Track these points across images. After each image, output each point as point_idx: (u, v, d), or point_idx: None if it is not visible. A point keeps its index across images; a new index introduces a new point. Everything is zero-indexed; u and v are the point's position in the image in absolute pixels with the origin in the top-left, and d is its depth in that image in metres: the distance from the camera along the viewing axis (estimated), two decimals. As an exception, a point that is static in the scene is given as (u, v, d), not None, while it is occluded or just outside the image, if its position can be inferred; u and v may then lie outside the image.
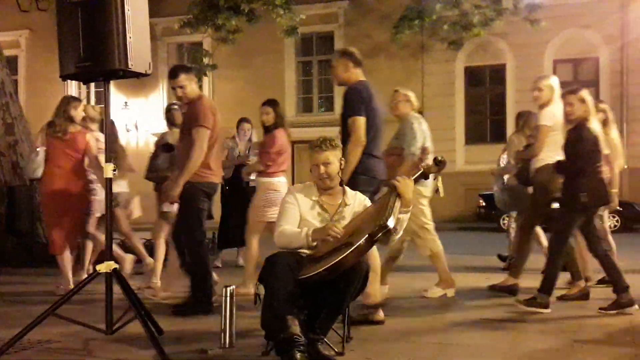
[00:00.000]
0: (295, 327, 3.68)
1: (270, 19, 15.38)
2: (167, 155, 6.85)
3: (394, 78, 20.97)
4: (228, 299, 4.20)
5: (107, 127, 4.55)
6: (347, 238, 3.89)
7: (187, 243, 5.68)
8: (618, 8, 20.08)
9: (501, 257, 8.97)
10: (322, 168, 4.12)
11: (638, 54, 20.27)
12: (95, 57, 4.14)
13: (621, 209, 16.91)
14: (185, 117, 5.91)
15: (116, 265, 4.33)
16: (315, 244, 3.92)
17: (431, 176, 4.72)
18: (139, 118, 23.89)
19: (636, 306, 5.40)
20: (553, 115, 6.06)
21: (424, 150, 6.27)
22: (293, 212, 4.12)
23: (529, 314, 5.38)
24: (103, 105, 4.82)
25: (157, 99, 24.08)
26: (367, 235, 3.81)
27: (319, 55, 23.53)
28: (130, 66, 4.12)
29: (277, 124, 6.77)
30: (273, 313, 3.74)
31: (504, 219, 11.12)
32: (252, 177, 7.43)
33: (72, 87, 24.39)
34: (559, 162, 5.70)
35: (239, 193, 8.78)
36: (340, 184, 4.26)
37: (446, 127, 21.21)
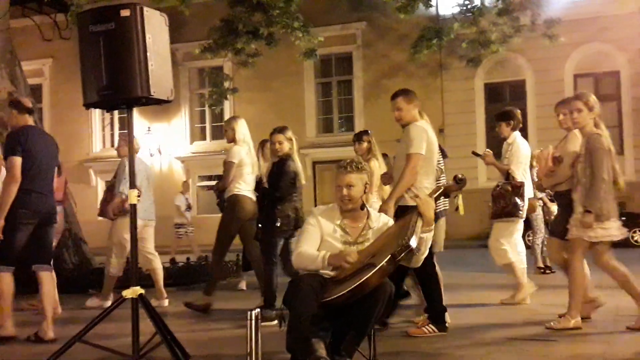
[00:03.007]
0: (321, 350, 3.68)
1: (289, 41, 15.48)
2: None
3: (414, 97, 21.00)
4: (253, 322, 4.20)
5: (132, 154, 4.59)
6: (370, 259, 3.88)
7: None
8: (637, 21, 19.95)
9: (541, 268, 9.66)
10: (345, 190, 4.11)
11: (659, 67, 20.10)
12: (118, 85, 4.21)
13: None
14: None
15: (142, 291, 4.36)
16: (331, 268, 3.91)
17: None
18: (162, 143, 24.12)
19: (276, 321, 5.60)
20: (239, 153, 6.91)
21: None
22: (313, 234, 4.12)
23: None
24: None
25: (180, 123, 24.32)
26: (389, 256, 3.80)
27: (338, 76, 23.64)
28: (152, 93, 4.18)
29: None
30: (298, 336, 3.74)
31: (528, 235, 11.00)
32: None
33: (96, 114, 24.73)
34: (263, 188, 6.61)
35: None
36: (363, 207, 4.24)
37: (467, 144, 21.07)
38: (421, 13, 17.35)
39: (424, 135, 5.35)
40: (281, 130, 6.44)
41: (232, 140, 7.03)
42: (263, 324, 5.54)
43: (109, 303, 7.32)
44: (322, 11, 20.75)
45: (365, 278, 3.75)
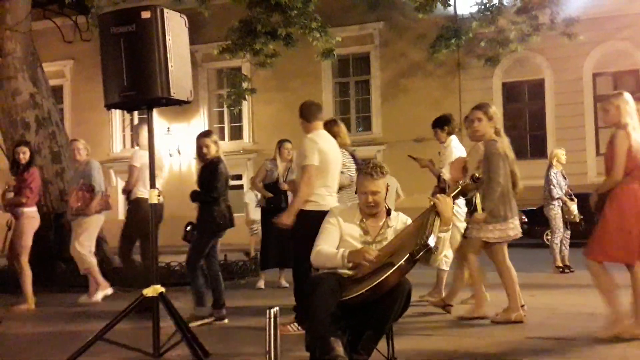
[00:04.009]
0: (339, 349, 3.70)
1: (307, 42, 15.50)
2: None
3: (431, 97, 20.97)
4: (272, 320, 4.23)
5: (153, 155, 4.64)
6: (388, 258, 3.90)
7: None
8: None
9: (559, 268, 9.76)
10: (370, 197, 4.11)
11: (680, 65, 19.88)
12: (139, 86, 4.27)
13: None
14: None
15: (162, 289, 4.41)
16: (350, 265, 3.93)
17: None
18: (182, 143, 24.25)
19: (226, 320, 6.24)
20: (141, 157, 7.15)
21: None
22: (333, 233, 4.14)
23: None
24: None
25: (199, 124, 24.44)
26: (408, 255, 3.82)
27: (356, 76, 23.64)
28: (172, 94, 4.23)
29: (32, 162, 7.78)
30: (316, 335, 3.77)
31: (547, 235, 10.99)
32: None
33: (116, 115, 24.93)
34: (194, 191, 6.54)
35: (274, 215, 8.84)
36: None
37: (486, 144, 21.04)
38: (439, 12, 17.31)
39: (314, 146, 5.65)
40: (206, 134, 6.71)
41: (142, 146, 7.34)
42: (194, 323, 5.88)
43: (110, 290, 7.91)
44: (339, 11, 20.77)
45: (383, 277, 3.77)
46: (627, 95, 5.25)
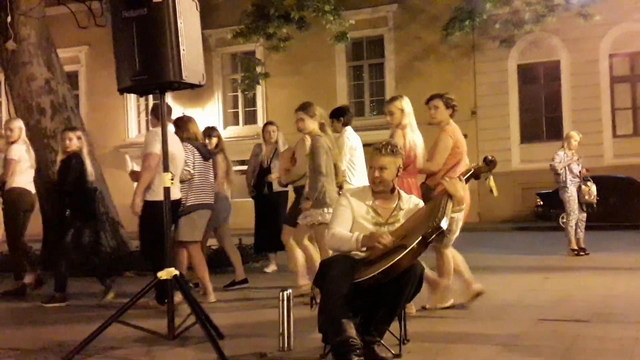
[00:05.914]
0: (351, 330, 3.72)
1: (320, 25, 15.46)
2: None
3: (446, 79, 20.85)
4: (285, 302, 4.26)
5: (165, 138, 4.67)
6: (401, 240, 3.91)
7: None
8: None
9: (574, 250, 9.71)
10: (377, 172, 4.14)
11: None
12: (151, 70, 4.28)
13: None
14: None
15: (177, 272, 4.45)
16: (364, 249, 3.95)
17: None
18: (196, 128, 24.33)
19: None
20: (19, 151, 7.51)
21: None
22: (346, 215, 4.16)
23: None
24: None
25: (213, 108, 24.49)
26: (420, 237, 3.83)
27: (370, 59, 23.55)
28: (184, 78, 4.25)
29: None
30: (329, 316, 3.79)
31: (562, 217, 10.92)
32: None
33: (131, 100, 25.02)
34: (54, 183, 7.30)
35: (262, 200, 8.83)
36: (394, 189, 4.26)
37: (500, 126, 20.93)
38: (453, -6, 17.19)
39: (156, 137, 5.88)
40: (73, 128, 7.21)
41: (15, 141, 7.58)
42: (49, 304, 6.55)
43: None
44: (353, -6, 20.65)
45: (396, 259, 3.78)
46: (407, 99, 5.90)
